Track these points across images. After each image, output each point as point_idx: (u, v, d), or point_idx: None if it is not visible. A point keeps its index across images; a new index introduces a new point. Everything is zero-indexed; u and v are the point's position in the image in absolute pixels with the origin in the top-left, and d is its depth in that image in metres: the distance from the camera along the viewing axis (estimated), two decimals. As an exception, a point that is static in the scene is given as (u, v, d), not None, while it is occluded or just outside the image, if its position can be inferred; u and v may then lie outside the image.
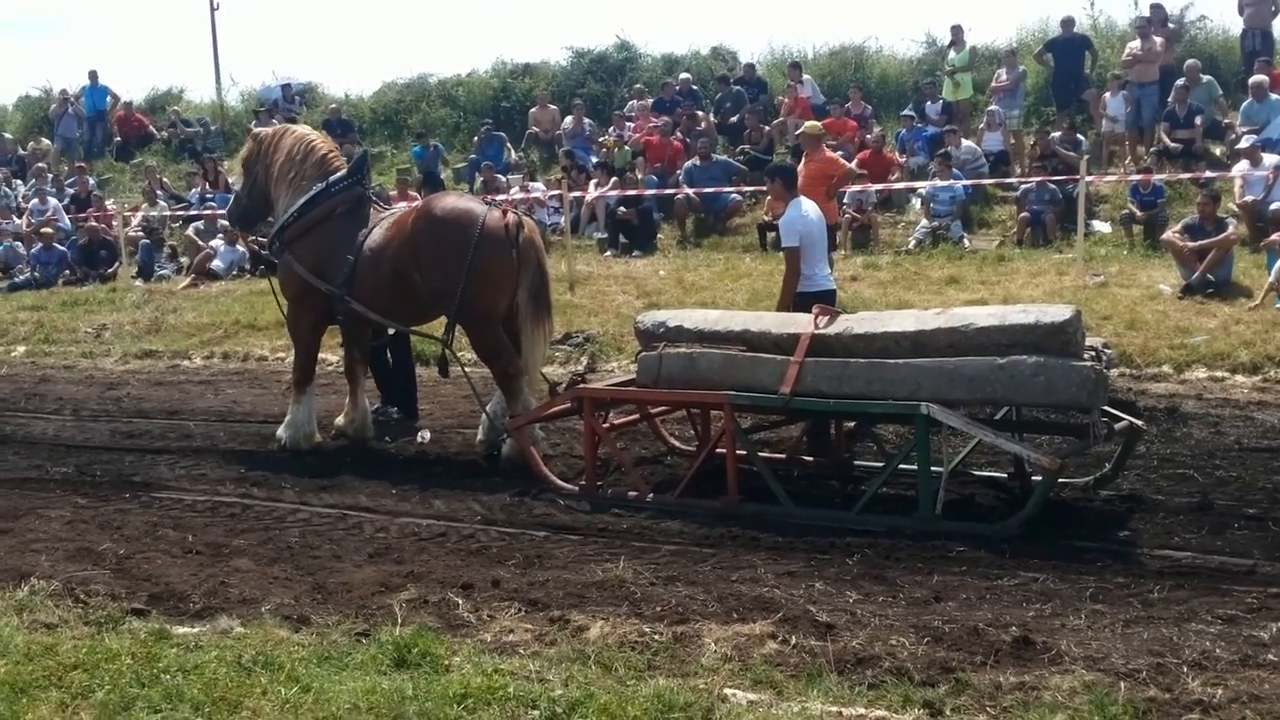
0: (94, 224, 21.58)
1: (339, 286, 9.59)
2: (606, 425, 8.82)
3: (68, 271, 20.44)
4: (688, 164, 19.61)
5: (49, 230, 20.96)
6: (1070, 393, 6.97)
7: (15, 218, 22.76)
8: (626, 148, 21.21)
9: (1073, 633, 5.55)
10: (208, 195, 22.14)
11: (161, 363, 14.01)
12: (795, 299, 8.86)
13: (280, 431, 10.07)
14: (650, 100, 22.74)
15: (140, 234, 20.88)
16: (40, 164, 24.84)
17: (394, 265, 9.38)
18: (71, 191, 23.43)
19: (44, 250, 20.62)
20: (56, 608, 6.17)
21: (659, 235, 19.13)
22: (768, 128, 20.99)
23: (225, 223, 19.81)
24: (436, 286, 9.17)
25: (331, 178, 10.02)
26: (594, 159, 21.45)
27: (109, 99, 27.88)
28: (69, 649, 5.52)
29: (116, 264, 20.27)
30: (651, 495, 8.20)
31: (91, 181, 24.04)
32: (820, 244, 9.16)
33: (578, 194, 19.13)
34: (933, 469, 7.42)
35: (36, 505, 8.47)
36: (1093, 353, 7.35)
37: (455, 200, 9.66)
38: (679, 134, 20.98)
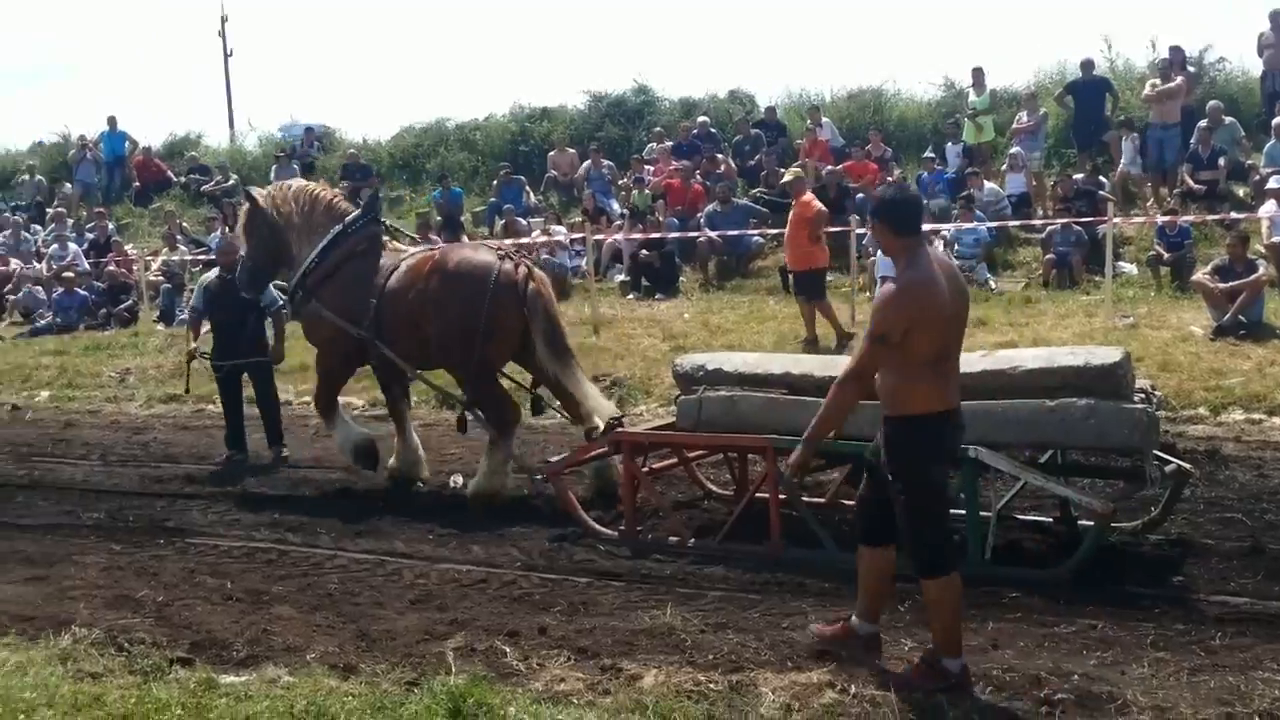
0: (114, 268, 21.63)
1: (367, 329, 9.60)
2: (645, 470, 8.70)
3: (88, 316, 20.43)
4: (709, 207, 19.58)
5: (70, 275, 20.98)
6: (1122, 435, 6.90)
7: (35, 262, 22.80)
8: (646, 191, 21.21)
9: (1137, 682, 5.45)
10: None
11: (186, 407, 13.94)
12: None
13: (341, 454, 10.21)
14: (669, 144, 22.76)
15: (161, 278, 20.89)
16: (60, 209, 24.89)
17: (409, 313, 9.46)
18: (91, 236, 23.46)
19: (65, 295, 20.63)
20: (100, 656, 6.09)
21: (681, 278, 19.09)
22: (783, 171, 20.99)
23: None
24: (446, 340, 9.28)
25: (347, 218, 10.11)
26: (614, 202, 21.45)
27: (127, 144, 28.00)
28: (116, 699, 5.43)
29: (138, 308, 20.29)
30: (693, 540, 8.07)
31: (111, 226, 24.09)
32: None
33: (600, 237, 19.12)
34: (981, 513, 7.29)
35: (71, 551, 8.40)
36: (1142, 395, 7.27)
37: (470, 253, 9.72)
38: (699, 177, 20.98)
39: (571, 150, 23.89)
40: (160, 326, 19.31)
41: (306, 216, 10.23)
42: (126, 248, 22.87)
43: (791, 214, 14.57)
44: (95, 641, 6.33)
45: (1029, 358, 7.45)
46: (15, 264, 22.72)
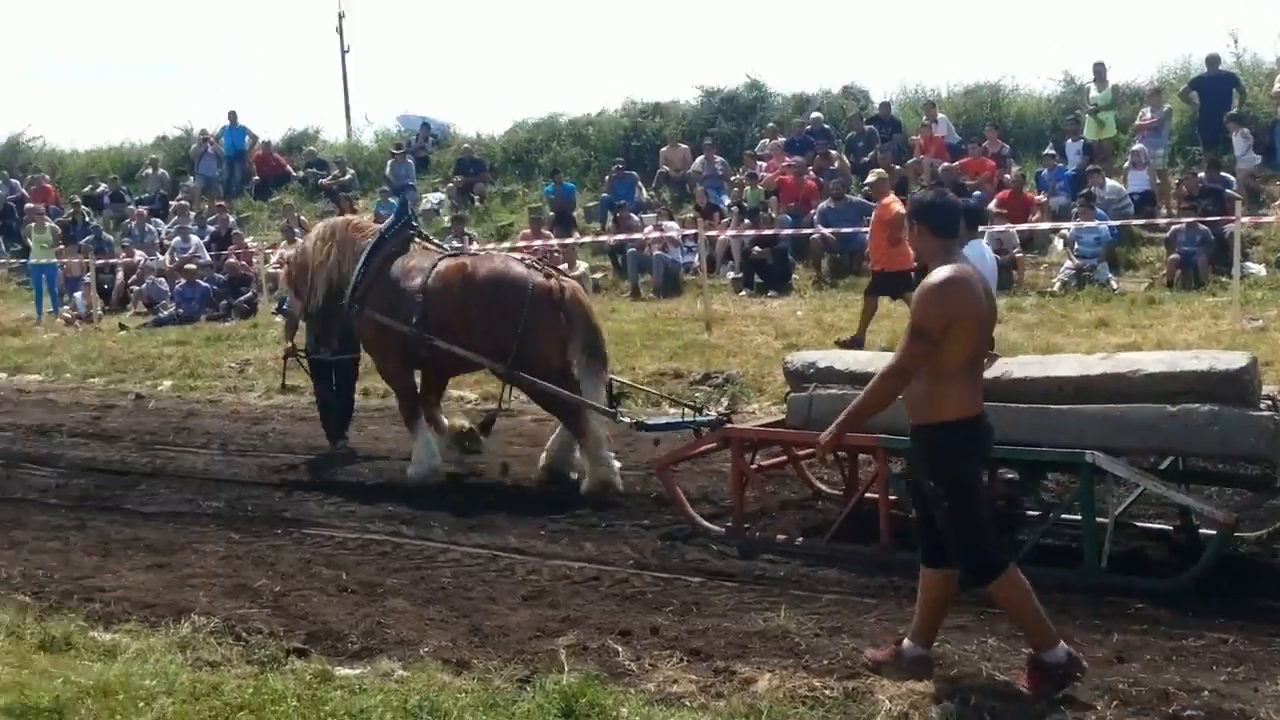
0: (234, 261, 22.04)
1: (417, 326, 9.91)
2: (754, 467, 8.63)
3: (209, 307, 20.84)
4: (822, 204, 19.41)
5: (192, 267, 21.40)
6: (1249, 443, 6.72)
7: (159, 254, 23.28)
8: (759, 187, 21.08)
9: (1271, 699, 5.26)
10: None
11: (304, 398, 14.10)
12: None
13: (409, 470, 10.21)
14: (782, 139, 22.61)
15: (279, 271, 21.20)
16: (182, 202, 25.40)
17: (450, 316, 9.87)
18: (212, 229, 23.91)
19: (187, 286, 21.06)
20: (218, 645, 6.16)
21: (794, 275, 18.95)
22: (899, 167, 20.73)
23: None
24: (488, 347, 9.73)
25: (382, 227, 10.68)
26: (726, 198, 21.37)
27: (247, 139, 28.49)
28: (234, 688, 5.48)
29: (257, 300, 20.66)
30: (801, 539, 8.04)
31: (231, 219, 24.52)
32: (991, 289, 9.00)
33: (712, 233, 19.05)
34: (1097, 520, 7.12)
35: (192, 540, 8.53)
36: (1269, 402, 7.05)
37: (502, 265, 10.10)
38: (812, 173, 20.81)
39: (684, 146, 23.84)
40: (279, 319, 19.57)
41: (341, 246, 10.64)
42: (246, 240, 23.26)
43: (873, 216, 14.65)
44: (214, 630, 6.41)
45: (1151, 361, 7.29)
46: (140, 256, 23.24)
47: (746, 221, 19.51)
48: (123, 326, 20.48)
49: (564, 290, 9.74)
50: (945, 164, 19.83)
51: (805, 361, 8.45)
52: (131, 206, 26.21)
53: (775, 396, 12.58)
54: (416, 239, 10.69)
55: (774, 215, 19.83)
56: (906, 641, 5.78)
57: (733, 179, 21.96)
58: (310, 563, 7.90)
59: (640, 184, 23.00)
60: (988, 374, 6.98)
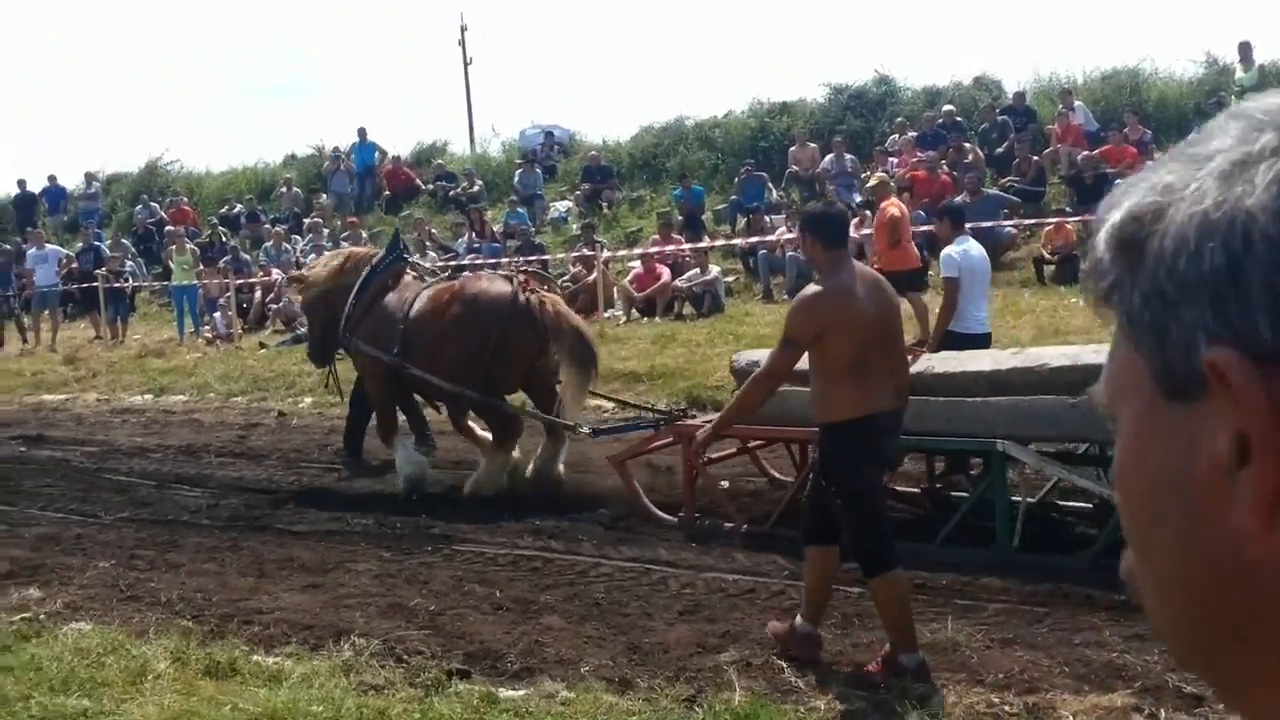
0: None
1: (397, 355, 10.50)
2: (704, 460, 8.82)
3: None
4: (957, 199, 19.00)
5: (328, 283, 21.64)
6: None
7: (295, 271, 23.63)
8: (891, 183, 20.72)
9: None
10: (475, 245, 22.59)
11: (439, 414, 14.19)
12: (948, 338, 9.47)
13: (400, 481, 10.61)
14: (913, 134, 22.25)
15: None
16: (315, 219, 25.79)
17: (432, 338, 10.36)
18: (345, 245, 24.18)
19: (323, 302, 21.29)
20: (381, 668, 6.11)
21: (929, 273, 18.58)
22: (1037, 158, 20.26)
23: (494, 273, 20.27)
24: (463, 363, 10.13)
25: (374, 260, 11.28)
26: (857, 197, 21.07)
27: (377, 154, 28.86)
28: (400, 712, 5.43)
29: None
30: (746, 525, 8.54)
31: (364, 235, 24.79)
32: (980, 282, 9.78)
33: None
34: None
35: (344, 559, 8.52)
36: None
37: (486, 283, 10.65)
38: (946, 167, 20.42)
39: (813, 145, 23.59)
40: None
41: (338, 275, 11.36)
42: (379, 255, 23.50)
43: (875, 219, 14.97)
44: (374, 652, 6.37)
45: (1055, 355, 7.86)
46: (276, 274, 23.61)
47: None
48: (262, 345, 20.81)
49: (542, 305, 10.15)
50: (1084, 153, 19.36)
51: (749, 360, 8.97)
52: (267, 225, 26.68)
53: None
54: (408, 270, 11.42)
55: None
56: (798, 619, 6.11)
57: (863, 176, 21.67)
58: (463, 580, 7.84)
59: (770, 185, 22.80)
60: (912, 369, 7.51)
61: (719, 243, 20.57)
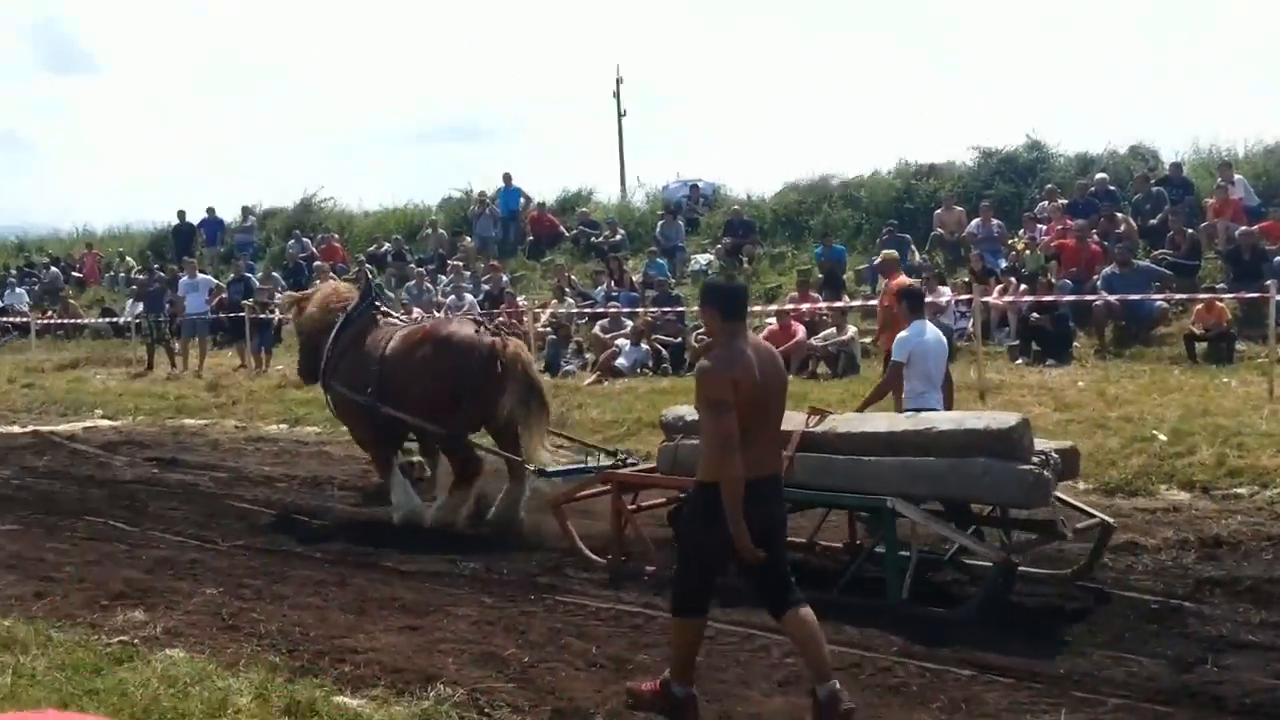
0: (505, 319, 22.38)
1: (371, 395, 11.11)
2: (633, 507, 9.51)
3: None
4: (1106, 270, 18.46)
5: (465, 325, 21.80)
6: (1010, 491, 7.81)
7: (435, 312, 23.86)
8: (1038, 251, 20.25)
9: None
10: (613, 293, 22.58)
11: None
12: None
13: (394, 515, 11.15)
14: (1064, 201, 21.71)
15: (548, 330, 21.45)
16: (459, 261, 26.06)
17: (402, 378, 11.00)
18: (486, 288, 24.40)
19: (459, 344, 21.44)
20: (460, 719, 5.97)
21: (1075, 344, 18.04)
22: (1192, 230, 19.58)
23: (629, 322, 20.22)
24: (430, 401, 10.82)
25: (349, 308, 11.95)
26: (1003, 262, 20.60)
27: (521, 200, 29.12)
28: (472, 768, 5.27)
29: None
30: (658, 569, 8.77)
31: (505, 278, 24.99)
32: (933, 366, 9.91)
33: (988, 298, 18.31)
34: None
35: (445, 602, 8.43)
36: (1041, 457, 7.89)
37: (456, 327, 11.26)
38: (1096, 237, 19.85)
39: (959, 208, 23.16)
40: (546, 377, 19.71)
41: (323, 314, 12.20)
42: (519, 299, 23.63)
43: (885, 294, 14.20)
44: (457, 702, 6.24)
45: (943, 420, 8.45)
46: (417, 313, 23.85)
47: (1024, 286, 18.71)
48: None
49: (505, 348, 10.73)
50: (1242, 228, 18.63)
51: (675, 415, 9.50)
52: (412, 265, 27.01)
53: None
54: (380, 315, 11.99)
55: (1054, 280, 18.94)
56: (665, 681, 6.22)
57: (1010, 242, 21.20)
58: (560, 632, 7.68)
59: (913, 247, 22.42)
60: (819, 429, 8.44)
61: (857, 303, 20.23)
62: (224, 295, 25.63)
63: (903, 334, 10.05)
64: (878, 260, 16.34)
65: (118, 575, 9.27)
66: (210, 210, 33.24)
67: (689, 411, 8.96)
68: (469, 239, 28.38)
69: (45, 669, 6.63)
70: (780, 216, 26.71)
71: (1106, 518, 8.68)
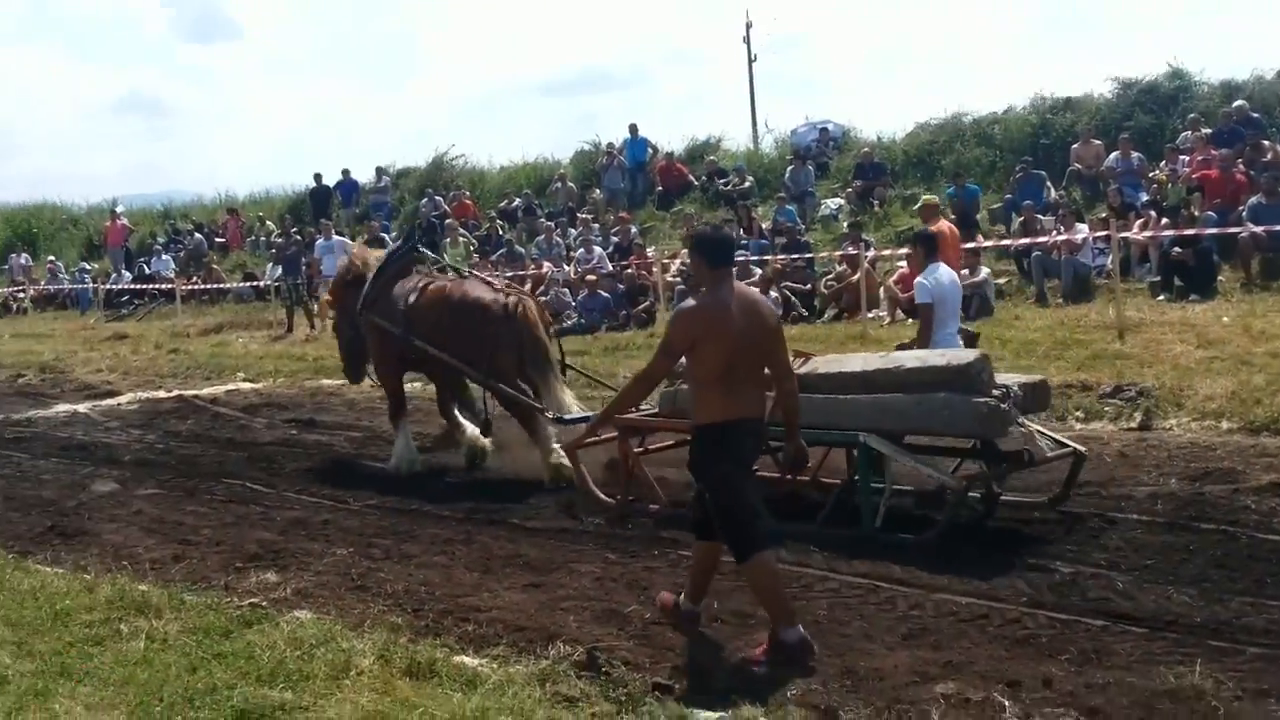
0: (634, 271, 22.37)
1: (401, 331, 11.87)
2: (640, 449, 9.91)
3: (609, 317, 21.21)
4: (1253, 200, 17.76)
5: (594, 277, 21.87)
6: (967, 422, 8.30)
7: (564, 265, 23.96)
8: (1180, 183, 19.56)
9: None
10: (742, 241, 22.40)
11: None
12: None
13: (390, 463, 12.01)
14: (1207, 131, 20.94)
15: (677, 280, 21.36)
16: (588, 214, 26.09)
17: (429, 330, 11.74)
18: (615, 240, 24.40)
19: (589, 296, 21.54)
20: (578, 679, 5.96)
21: (1219, 278, 17.41)
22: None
23: (758, 270, 20.02)
24: (467, 357, 11.54)
25: (389, 250, 13.19)
26: (1143, 196, 19.95)
27: (649, 151, 29.01)
28: (587, 729, 5.26)
29: (654, 309, 20.86)
30: (670, 506, 9.39)
31: (634, 230, 24.95)
32: (951, 307, 10.38)
33: (1127, 234, 17.75)
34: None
35: (570, 559, 8.43)
36: (1002, 391, 8.35)
37: (472, 288, 11.93)
38: (1241, 166, 19.10)
39: (1097, 142, 22.49)
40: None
41: (358, 272, 12.87)
42: (648, 250, 23.58)
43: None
44: (577, 660, 6.23)
45: (910, 359, 8.90)
46: (547, 267, 23.97)
47: (1165, 220, 18.09)
48: (530, 337, 21.07)
49: (517, 305, 11.48)
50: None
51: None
52: (542, 219, 27.12)
53: (1196, 411, 11.53)
54: (417, 263, 12.78)
55: (1196, 213, 18.29)
56: (682, 599, 6.82)
57: (1151, 175, 20.51)
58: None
59: (1049, 184, 21.85)
60: (801, 370, 8.72)
61: (991, 243, 19.77)
62: (359, 256, 26.01)
63: (921, 279, 10.41)
64: (918, 206, 16.51)
65: (253, 537, 9.46)
66: (345, 172, 33.75)
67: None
68: (598, 191, 28.38)
69: (177, 633, 6.78)
70: (912, 157, 26.30)
71: (1079, 447, 9.16)
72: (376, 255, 13.42)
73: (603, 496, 9.91)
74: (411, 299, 11.96)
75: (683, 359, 6.68)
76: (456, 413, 12.35)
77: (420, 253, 13.08)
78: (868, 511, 8.58)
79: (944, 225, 14.20)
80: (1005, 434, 8.44)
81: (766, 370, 6.59)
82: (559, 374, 11.65)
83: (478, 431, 12.03)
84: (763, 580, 6.41)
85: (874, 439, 8.48)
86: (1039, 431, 9.05)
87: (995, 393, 8.30)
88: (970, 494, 8.74)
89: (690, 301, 6.59)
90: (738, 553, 6.43)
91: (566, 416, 10.96)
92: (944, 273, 10.46)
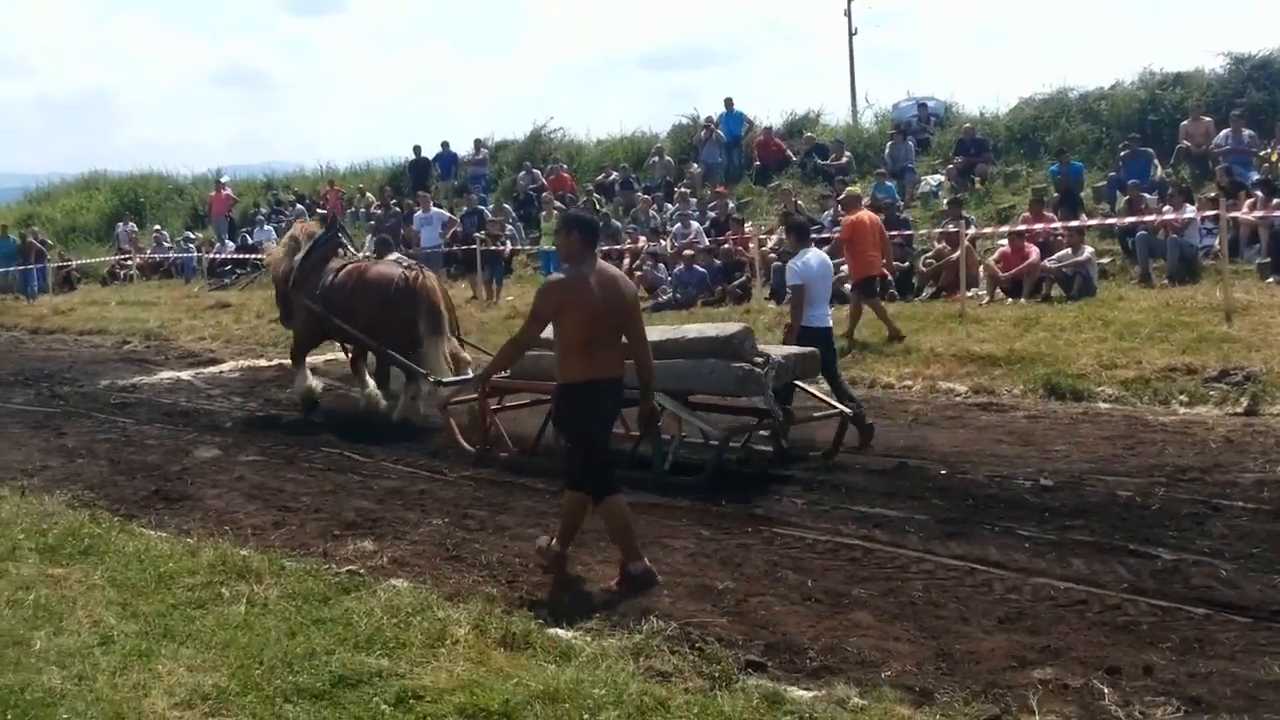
0: (730, 246, 22.27)
1: (317, 302, 13.97)
2: (498, 406, 11.64)
3: (705, 292, 21.15)
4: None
5: (690, 252, 21.81)
6: (726, 384, 10.06)
7: (661, 240, 23.92)
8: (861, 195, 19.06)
9: None
10: (839, 217, 22.20)
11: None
12: (800, 333, 11.23)
13: (291, 392, 14.71)
14: (1322, 108, 20.38)
15: (774, 256, 21.23)
16: (685, 188, 26.00)
17: (341, 303, 13.78)
18: (712, 214, 24.29)
19: (685, 271, 21.49)
20: (672, 654, 5.96)
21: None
22: None
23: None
24: (369, 326, 13.57)
25: (315, 238, 14.82)
26: (1254, 175, 19.46)
27: (744, 124, 28.83)
28: (681, 704, 5.26)
29: (750, 285, 20.77)
30: (516, 450, 11.19)
31: (731, 205, 24.83)
32: (820, 288, 11.34)
33: (1237, 214, 17.33)
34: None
35: (663, 534, 8.43)
36: (763, 359, 10.03)
37: (379, 266, 13.86)
38: (1359, 145, 18.58)
39: (1207, 119, 21.94)
40: (771, 304, 19.59)
41: (292, 249, 15.02)
42: (745, 225, 23.45)
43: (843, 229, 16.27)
44: (670, 635, 6.24)
45: (693, 330, 10.73)
46: (643, 241, 23.95)
47: (1276, 200, 17.64)
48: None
49: (418, 279, 13.33)
50: None
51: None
52: (639, 193, 27.08)
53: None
54: (339, 248, 14.70)
55: (1310, 193, 17.82)
56: (553, 542, 7.72)
57: (1262, 153, 20.00)
58: (777, 565, 7.60)
59: (1155, 161, 21.39)
60: None
61: (1095, 222, 19.41)
62: (457, 228, 26.20)
63: (792, 262, 11.40)
64: (841, 196, 18.30)
65: (351, 505, 9.59)
66: (444, 144, 33.90)
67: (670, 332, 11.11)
68: (695, 165, 28.27)
69: (277, 598, 6.90)
70: (1015, 133, 25.80)
71: (846, 409, 10.82)
72: (309, 233, 15.36)
73: (465, 444, 11.44)
74: (328, 279, 14.00)
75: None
76: (365, 371, 14.32)
77: (340, 241, 14.96)
78: (658, 458, 10.08)
79: (863, 215, 15.79)
80: (762, 394, 9.99)
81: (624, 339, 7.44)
82: (449, 339, 13.42)
83: (375, 385, 14.08)
84: (615, 519, 7.35)
85: (663, 398, 9.50)
86: (815, 394, 11.04)
87: (757, 360, 9.91)
88: (731, 444, 10.19)
89: (556, 275, 7.62)
90: (594, 492, 7.36)
91: (445, 380, 12.69)
92: (813, 256, 11.43)
